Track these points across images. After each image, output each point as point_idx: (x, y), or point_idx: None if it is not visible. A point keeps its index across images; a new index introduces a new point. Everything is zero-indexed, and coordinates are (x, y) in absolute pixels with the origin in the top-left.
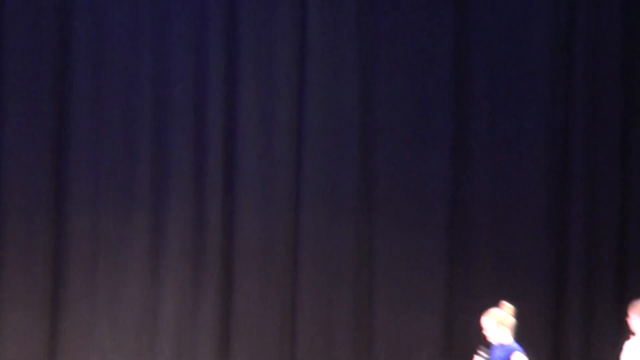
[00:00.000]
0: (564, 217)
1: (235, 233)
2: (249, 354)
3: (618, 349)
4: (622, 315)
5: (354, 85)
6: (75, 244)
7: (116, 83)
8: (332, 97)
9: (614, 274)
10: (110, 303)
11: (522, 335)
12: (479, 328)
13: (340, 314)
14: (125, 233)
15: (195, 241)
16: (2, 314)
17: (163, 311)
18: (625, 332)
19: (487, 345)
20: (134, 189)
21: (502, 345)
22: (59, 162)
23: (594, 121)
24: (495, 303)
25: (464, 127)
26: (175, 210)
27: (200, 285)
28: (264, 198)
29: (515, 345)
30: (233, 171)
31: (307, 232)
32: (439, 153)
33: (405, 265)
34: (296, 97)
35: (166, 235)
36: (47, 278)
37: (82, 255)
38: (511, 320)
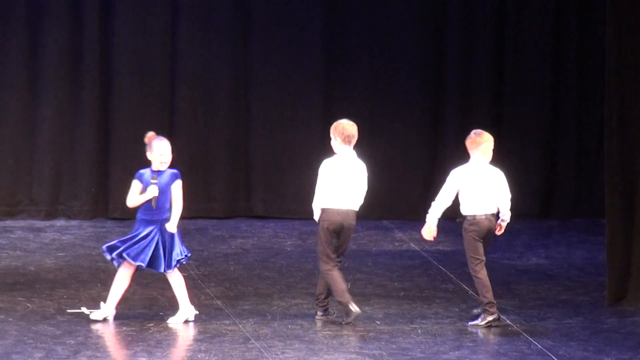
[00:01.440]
0: (439, 49)
1: (111, 49)
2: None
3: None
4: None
5: None
6: None
7: None
8: None
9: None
10: None
11: (397, 158)
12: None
13: (218, 132)
14: (1, 51)
15: (73, 55)
16: None
17: (42, 128)
18: None
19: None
20: (9, 9)
21: (165, 171)
22: None
23: None
24: (369, 122)
25: None
26: (52, 23)
27: (78, 101)
28: (141, 13)
29: (145, 170)
30: None
31: (184, 50)
32: None
33: (282, 85)
34: None
35: (42, 55)
36: None
37: None
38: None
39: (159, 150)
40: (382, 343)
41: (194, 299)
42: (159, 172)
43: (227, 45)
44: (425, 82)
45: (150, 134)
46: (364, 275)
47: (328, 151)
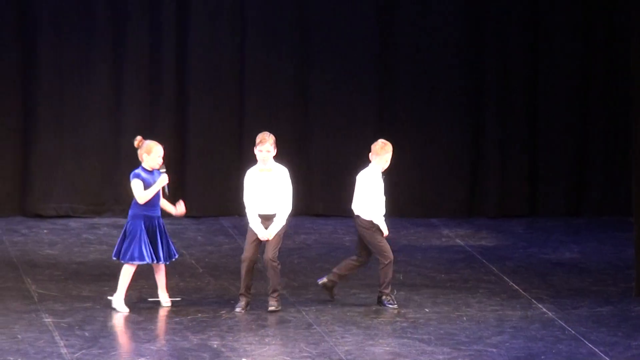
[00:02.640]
0: (479, 56)
1: (187, 60)
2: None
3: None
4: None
5: None
6: (43, 77)
7: None
8: None
9: (525, 107)
10: (75, 132)
11: (444, 162)
12: (405, 145)
13: (282, 139)
14: (87, 64)
15: (152, 68)
16: None
17: (124, 132)
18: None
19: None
20: (94, 21)
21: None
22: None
23: None
24: (419, 129)
25: None
26: (132, 40)
27: (157, 106)
28: (214, 27)
29: (139, 170)
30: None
31: (251, 59)
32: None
33: (339, 93)
34: None
35: (125, 65)
36: (18, 107)
37: (49, 89)
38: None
39: (158, 153)
40: (431, 328)
41: (261, 289)
42: (151, 173)
43: (289, 58)
44: (468, 90)
45: (139, 138)
46: (414, 267)
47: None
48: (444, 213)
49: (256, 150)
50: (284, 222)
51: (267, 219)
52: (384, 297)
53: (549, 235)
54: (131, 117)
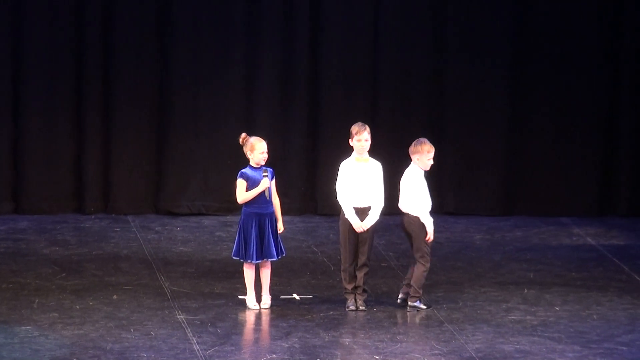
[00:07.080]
0: (615, 48)
1: (320, 61)
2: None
3: None
4: None
5: None
6: (178, 78)
7: None
8: None
9: None
10: (208, 131)
11: (575, 161)
12: (537, 144)
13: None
14: (222, 66)
15: (285, 70)
16: (115, 140)
17: (256, 131)
18: None
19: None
20: (230, 25)
21: (261, 168)
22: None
23: None
24: (550, 127)
25: None
26: (266, 43)
27: (289, 115)
28: (347, 24)
29: (245, 169)
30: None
31: (385, 62)
32: None
33: (473, 95)
34: None
35: (259, 66)
36: (154, 106)
37: (185, 85)
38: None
39: (261, 149)
40: (561, 327)
41: (393, 287)
42: (259, 169)
43: (423, 58)
44: (601, 87)
45: (244, 135)
46: (544, 266)
47: (514, 155)
48: (574, 211)
49: (354, 141)
50: (378, 217)
51: (361, 213)
52: (415, 301)
53: None
54: (264, 117)
